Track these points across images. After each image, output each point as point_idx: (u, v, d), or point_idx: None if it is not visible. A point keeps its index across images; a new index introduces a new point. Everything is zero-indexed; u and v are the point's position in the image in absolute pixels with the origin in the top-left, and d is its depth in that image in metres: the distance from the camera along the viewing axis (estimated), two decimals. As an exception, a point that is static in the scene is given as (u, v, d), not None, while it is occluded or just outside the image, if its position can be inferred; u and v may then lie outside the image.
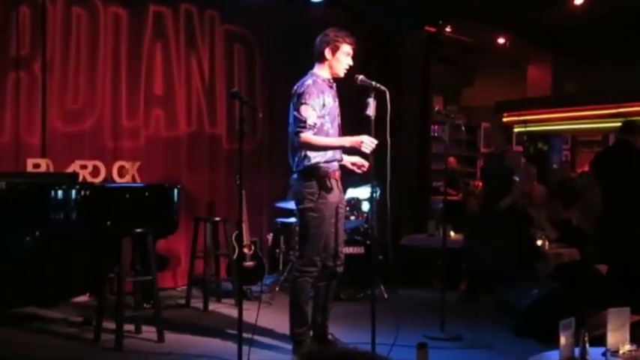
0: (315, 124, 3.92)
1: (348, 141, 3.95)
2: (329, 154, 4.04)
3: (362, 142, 3.84)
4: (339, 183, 4.13)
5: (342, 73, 4.07)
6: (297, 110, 3.94)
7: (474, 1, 8.06)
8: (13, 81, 5.32)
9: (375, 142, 3.85)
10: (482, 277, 5.90)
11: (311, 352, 3.57)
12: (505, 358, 4.15)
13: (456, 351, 4.32)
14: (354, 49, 4.06)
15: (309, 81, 4.01)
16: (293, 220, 6.01)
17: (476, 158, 11.93)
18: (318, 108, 3.94)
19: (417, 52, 8.29)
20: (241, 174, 3.83)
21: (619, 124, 6.03)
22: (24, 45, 5.37)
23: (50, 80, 5.50)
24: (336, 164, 4.09)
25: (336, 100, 4.12)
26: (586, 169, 10.07)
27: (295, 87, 4.06)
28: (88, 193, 4.56)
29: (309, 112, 3.90)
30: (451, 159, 10.80)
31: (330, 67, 4.05)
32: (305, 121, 3.89)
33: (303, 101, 3.92)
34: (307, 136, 3.89)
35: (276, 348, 4.28)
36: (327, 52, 4.03)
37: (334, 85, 4.14)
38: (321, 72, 4.08)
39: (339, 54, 4.02)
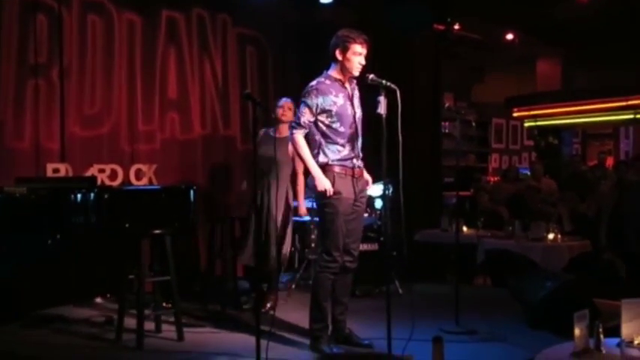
0: (309, 122, 4.11)
1: (315, 172, 4.08)
2: (344, 152, 4.12)
3: (323, 188, 4.01)
4: (358, 181, 4.20)
5: (355, 72, 4.14)
6: (298, 107, 4.21)
7: (482, -2, 8.10)
8: (32, 88, 5.42)
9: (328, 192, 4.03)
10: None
11: (326, 356, 3.65)
12: (520, 351, 4.18)
13: (471, 344, 4.36)
14: (367, 48, 4.13)
15: (314, 81, 4.16)
16: (308, 218, 6.08)
17: (487, 154, 11.96)
18: (317, 108, 4.08)
19: (426, 50, 8.32)
20: (255, 174, 3.91)
21: (629, 116, 6.05)
22: (41, 53, 5.47)
23: (68, 87, 5.60)
24: (351, 162, 4.16)
25: (352, 99, 4.19)
26: (596, 162, 10.08)
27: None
28: (106, 196, 4.65)
29: (305, 111, 4.11)
30: (471, 157, 10.84)
31: (343, 67, 4.13)
32: (299, 119, 4.14)
33: (302, 100, 4.15)
34: (298, 138, 4.14)
35: (295, 343, 4.34)
36: (338, 53, 4.11)
37: (352, 84, 4.21)
38: (334, 72, 4.16)
39: (349, 54, 4.09)
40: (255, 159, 3.82)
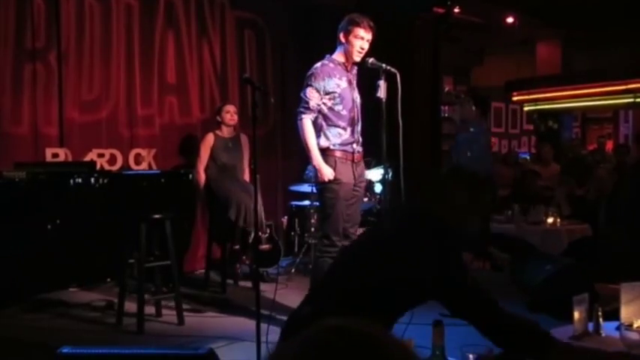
0: (318, 106, 4.06)
1: (318, 162, 4.07)
2: (345, 136, 4.12)
3: (323, 176, 4.02)
4: (357, 166, 4.20)
5: (356, 57, 4.12)
6: (303, 91, 4.12)
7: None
8: (29, 73, 5.40)
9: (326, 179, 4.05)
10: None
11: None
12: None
13: (471, 328, 4.38)
14: (371, 34, 4.10)
15: (319, 63, 4.14)
16: (307, 202, 6.09)
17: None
18: (323, 91, 4.05)
19: (426, 34, 8.28)
20: (256, 159, 3.90)
21: (629, 100, 6.04)
22: (39, 37, 5.44)
23: (66, 71, 5.58)
24: (351, 147, 4.16)
25: (353, 83, 4.19)
26: (596, 146, 10.08)
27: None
28: (106, 180, 4.65)
29: (313, 94, 4.07)
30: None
31: (345, 51, 4.12)
32: (308, 103, 4.08)
33: (308, 82, 4.10)
34: (306, 123, 4.09)
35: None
36: (342, 36, 4.11)
37: (353, 70, 4.20)
38: (338, 55, 4.15)
39: (351, 37, 4.08)
40: (254, 143, 3.80)
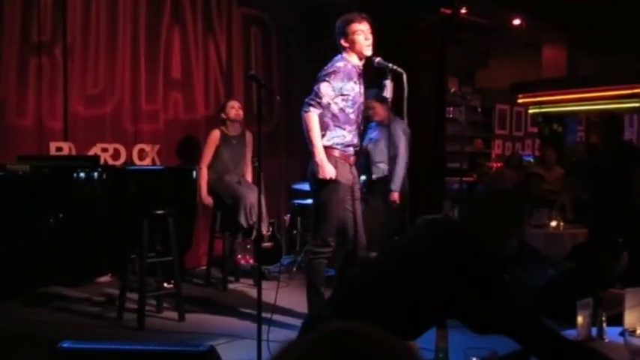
0: (326, 104, 3.99)
1: (320, 158, 3.98)
2: (348, 137, 4.09)
3: (327, 177, 3.96)
4: (353, 168, 4.18)
5: (366, 52, 4.05)
6: (318, 84, 4.01)
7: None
8: (35, 66, 5.40)
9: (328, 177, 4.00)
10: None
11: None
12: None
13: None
14: (367, 23, 4.05)
15: (340, 63, 4.03)
16: (310, 201, 6.06)
17: (490, 140, 11.92)
18: (338, 91, 4.00)
19: (432, 34, 8.27)
20: (260, 156, 3.89)
21: (634, 104, 6.02)
22: (45, 30, 5.44)
23: (71, 65, 5.57)
24: (351, 149, 4.14)
25: (362, 87, 4.16)
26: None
27: (327, 65, 4.10)
28: (109, 175, 4.64)
29: (328, 91, 3.98)
30: (478, 141, 10.81)
31: (354, 52, 4.07)
32: (320, 98, 3.99)
33: (327, 78, 3.99)
34: (313, 117, 3.98)
35: (295, 327, 4.34)
36: (343, 42, 4.06)
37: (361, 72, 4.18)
38: (352, 57, 4.10)
39: (351, 37, 4.04)
40: (259, 140, 3.79)
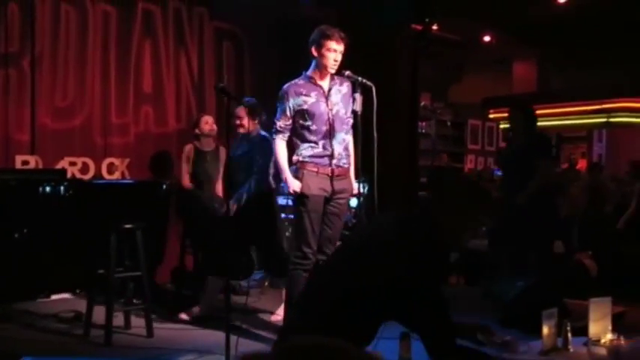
0: (288, 126, 4.11)
1: (285, 176, 4.10)
2: (317, 149, 4.09)
3: (292, 190, 4.05)
4: (338, 180, 4.13)
5: (330, 69, 4.09)
6: (275, 112, 4.17)
7: (461, -1, 8.14)
8: (1, 78, 5.34)
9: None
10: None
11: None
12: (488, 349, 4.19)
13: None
14: (344, 45, 4.09)
15: (287, 84, 4.14)
16: (282, 215, 6.04)
17: (462, 155, 12.03)
18: (291, 110, 4.08)
19: (405, 49, 8.34)
20: (231, 169, 3.88)
21: (603, 119, 6.12)
22: (12, 41, 5.39)
23: (39, 77, 5.52)
24: (327, 160, 4.12)
25: (328, 97, 4.13)
26: (567, 165, 10.21)
27: None
28: (76, 189, 4.58)
29: (280, 116, 4.12)
30: (444, 156, 10.89)
31: (319, 64, 4.09)
32: (275, 124, 4.16)
33: (277, 104, 4.16)
34: (276, 143, 4.16)
35: (267, 340, 4.32)
36: (314, 50, 4.08)
37: (333, 81, 4.16)
38: (310, 71, 4.13)
39: (323, 50, 4.05)
40: (228, 155, 3.78)
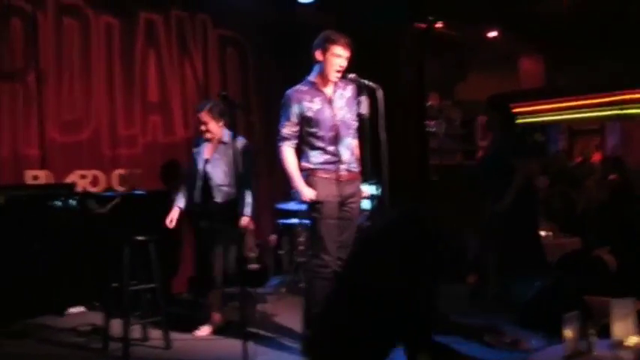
0: (294, 133, 4.09)
1: (296, 185, 4.06)
2: (326, 155, 4.06)
3: (307, 199, 4.01)
4: (347, 185, 4.10)
5: (332, 77, 4.04)
6: (279, 120, 4.13)
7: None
8: (8, 93, 5.34)
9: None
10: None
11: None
12: (509, 352, 4.14)
13: (461, 344, 4.32)
14: (349, 51, 4.04)
15: (290, 90, 4.12)
16: (295, 221, 6.02)
17: (474, 151, 11.94)
18: (296, 117, 4.05)
19: (409, 50, 8.29)
20: (238, 176, 3.85)
21: (615, 112, 6.02)
22: (17, 57, 5.39)
23: (45, 91, 5.52)
24: (335, 165, 4.08)
25: (332, 102, 4.10)
26: (581, 159, 10.11)
27: None
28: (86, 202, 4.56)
29: (284, 123, 4.09)
30: (458, 155, 10.83)
31: (322, 70, 4.05)
32: (280, 132, 4.12)
33: (281, 112, 4.12)
34: (284, 151, 4.12)
35: (286, 348, 4.29)
36: (318, 54, 4.05)
37: (337, 86, 4.12)
38: (312, 76, 4.10)
39: (328, 55, 4.01)
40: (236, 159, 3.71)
